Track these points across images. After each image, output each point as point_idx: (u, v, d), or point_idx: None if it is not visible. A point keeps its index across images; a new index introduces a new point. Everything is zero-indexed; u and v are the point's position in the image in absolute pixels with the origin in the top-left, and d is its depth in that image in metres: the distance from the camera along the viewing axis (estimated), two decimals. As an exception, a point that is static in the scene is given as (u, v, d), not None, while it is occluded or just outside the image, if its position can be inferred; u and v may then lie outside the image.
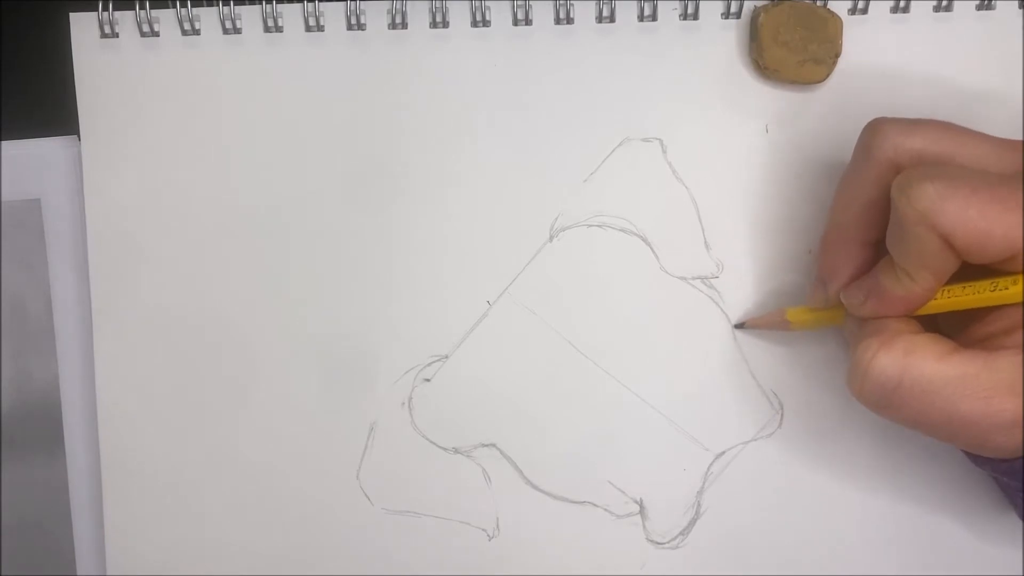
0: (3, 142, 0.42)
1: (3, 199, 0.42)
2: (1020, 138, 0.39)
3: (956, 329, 0.35)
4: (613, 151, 0.41)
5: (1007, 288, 0.33)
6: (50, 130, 0.42)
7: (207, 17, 0.41)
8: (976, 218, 0.31)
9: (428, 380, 0.42)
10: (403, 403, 0.42)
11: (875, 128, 0.35)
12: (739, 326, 0.41)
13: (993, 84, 0.40)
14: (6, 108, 0.43)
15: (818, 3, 0.40)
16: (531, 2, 0.40)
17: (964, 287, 0.34)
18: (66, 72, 0.41)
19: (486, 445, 0.42)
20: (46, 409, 0.43)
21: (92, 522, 0.43)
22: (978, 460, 0.36)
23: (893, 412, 0.34)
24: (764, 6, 0.39)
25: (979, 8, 0.40)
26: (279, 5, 0.40)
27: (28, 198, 0.42)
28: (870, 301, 0.35)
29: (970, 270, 0.33)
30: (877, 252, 0.36)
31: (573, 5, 0.40)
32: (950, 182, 0.31)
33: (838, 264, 0.37)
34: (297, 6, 0.41)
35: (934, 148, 0.34)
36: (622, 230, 0.41)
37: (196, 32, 0.41)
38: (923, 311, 0.35)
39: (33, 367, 0.43)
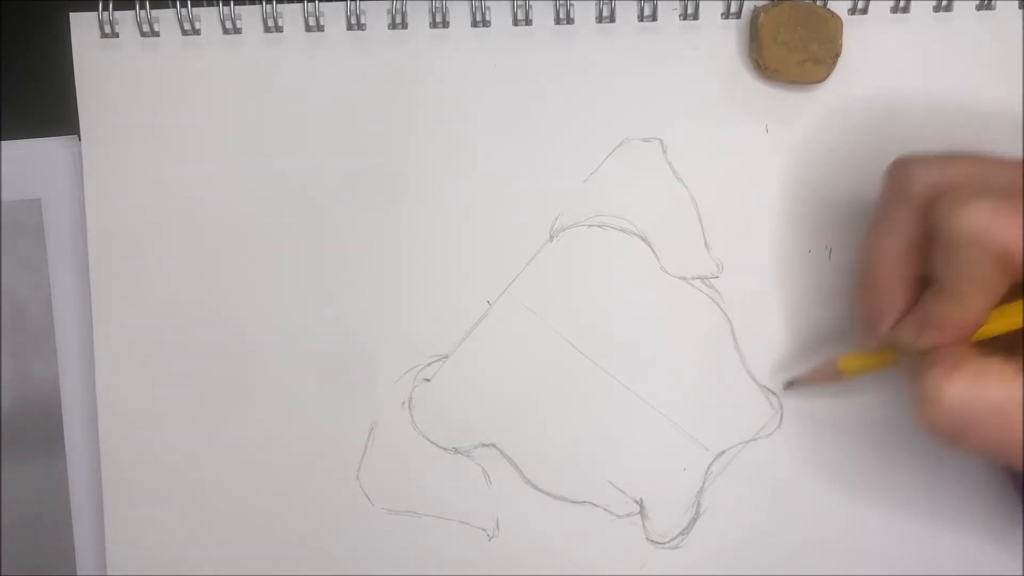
0: (3, 142, 0.42)
1: (3, 199, 0.42)
2: (1020, 137, 0.40)
3: (1013, 350, 0.35)
4: (613, 151, 0.41)
5: None
6: (50, 130, 0.42)
7: (207, 17, 0.41)
8: None
9: (428, 380, 0.42)
10: (403, 403, 0.42)
11: (905, 168, 0.35)
12: (789, 385, 0.41)
13: (993, 84, 0.40)
14: (6, 108, 0.43)
15: (818, 3, 0.40)
16: (531, 2, 0.40)
17: (1015, 305, 0.34)
18: (66, 72, 0.41)
19: (486, 445, 0.42)
20: (46, 409, 0.43)
21: (92, 522, 0.43)
22: None
23: (969, 440, 0.33)
24: (764, 6, 0.39)
25: (979, 8, 0.40)
26: (279, 5, 0.40)
27: (28, 198, 0.42)
28: (926, 333, 0.34)
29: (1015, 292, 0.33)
30: (919, 287, 0.35)
31: (573, 5, 0.40)
32: (999, 199, 0.31)
33: (884, 305, 0.36)
34: (297, 6, 0.41)
35: (967, 180, 0.33)
36: (622, 230, 0.41)
37: (196, 32, 0.41)
38: (980, 335, 0.34)
39: (33, 367, 0.43)
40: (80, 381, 0.43)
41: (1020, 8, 0.40)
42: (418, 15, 0.41)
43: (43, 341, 0.43)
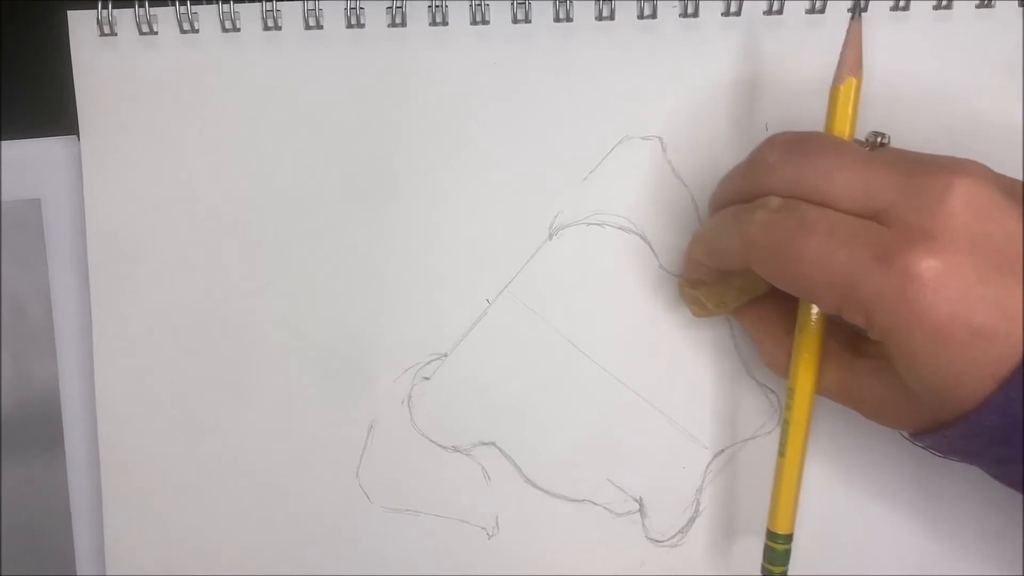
0: (3, 142, 0.42)
1: (3, 199, 0.42)
2: (1020, 136, 0.40)
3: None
4: (612, 149, 0.41)
5: None
6: (50, 130, 0.42)
7: (206, 15, 0.41)
8: None
9: (427, 378, 0.42)
10: (402, 401, 0.42)
11: (772, 155, 0.36)
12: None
13: (992, 83, 0.40)
14: (6, 108, 0.43)
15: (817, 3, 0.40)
16: (531, 0, 0.40)
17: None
18: (66, 71, 0.41)
19: (485, 443, 0.42)
20: (46, 409, 0.43)
21: (92, 523, 0.43)
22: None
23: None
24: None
25: (979, 6, 0.40)
26: (278, 3, 0.40)
27: (28, 198, 0.42)
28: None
29: None
30: None
31: (572, 3, 0.40)
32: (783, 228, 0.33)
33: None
34: (296, 4, 0.40)
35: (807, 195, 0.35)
36: (621, 228, 0.41)
37: (195, 31, 0.41)
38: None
39: (33, 367, 0.43)
40: (80, 381, 0.43)
41: (1020, 7, 0.40)
42: (417, 13, 0.41)
43: (43, 341, 0.43)
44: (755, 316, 0.39)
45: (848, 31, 0.35)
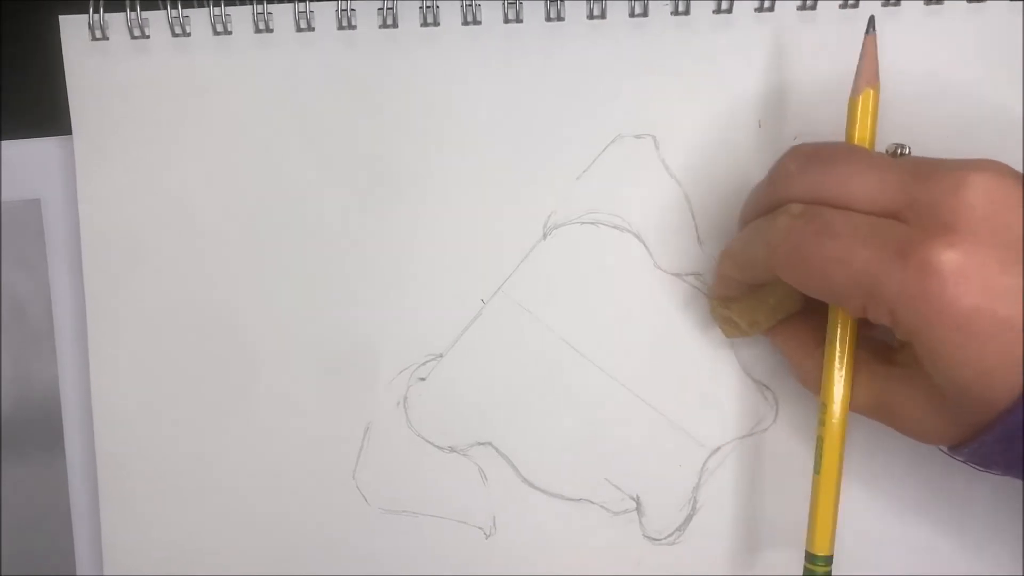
0: (3, 142, 0.42)
1: (3, 199, 0.42)
2: (1019, 134, 0.39)
3: None
4: (606, 148, 0.41)
5: None
6: (50, 130, 0.42)
7: (197, 18, 0.41)
8: None
9: (423, 379, 0.42)
10: (398, 402, 0.42)
11: (794, 166, 0.36)
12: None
13: (986, 78, 0.40)
14: (6, 109, 0.43)
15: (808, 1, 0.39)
16: (522, 0, 0.40)
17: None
18: (64, 73, 0.41)
19: (482, 443, 0.42)
20: (46, 409, 0.43)
21: (92, 522, 0.43)
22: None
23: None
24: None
25: (971, 1, 0.39)
26: (269, 6, 0.40)
27: (28, 198, 0.42)
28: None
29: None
30: None
31: (564, 3, 0.40)
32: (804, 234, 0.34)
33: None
34: (287, 6, 0.40)
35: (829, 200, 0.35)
36: (615, 227, 0.41)
37: (187, 34, 0.41)
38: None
39: (33, 367, 0.43)
40: (80, 381, 0.43)
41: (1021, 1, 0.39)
42: (409, 14, 0.40)
43: (43, 341, 0.43)
44: (786, 334, 0.39)
45: (864, 45, 0.35)
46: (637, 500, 0.42)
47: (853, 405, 0.36)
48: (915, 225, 0.31)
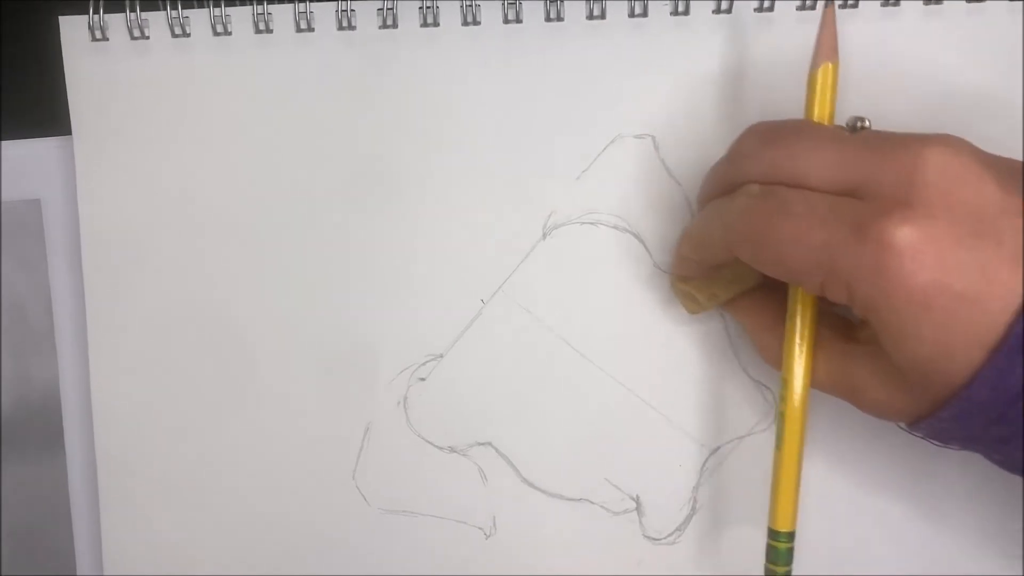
0: (3, 142, 0.42)
1: (3, 199, 0.42)
2: (1019, 134, 0.39)
3: None
4: (605, 148, 0.41)
5: None
6: (50, 130, 0.42)
7: (197, 19, 0.41)
8: None
9: (423, 379, 0.42)
10: (398, 402, 0.42)
11: (751, 145, 0.36)
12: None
13: (985, 78, 0.40)
14: (6, 109, 0.43)
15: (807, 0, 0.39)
16: (521, 0, 0.40)
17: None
18: (64, 73, 0.41)
19: (482, 444, 0.42)
20: (46, 409, 0.43)
21: (92, 522, 0.43)
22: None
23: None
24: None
25: (970, 1, 0.39)
26: (269, 6, 0.40)
27: (28, 198, 0.42)
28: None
29: None
30: None
31: (563, 3, 0.40)
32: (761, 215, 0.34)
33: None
34: (287, 7, 0.40)
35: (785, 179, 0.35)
36: (615, 227, 0.41)
37: (186, 35, 0.41)
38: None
39: (33, 367, 0.43)
40: (80, 381, 0.43)
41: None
42: (408, 15, 0.40)
43: (43, 341, 0.43)
44: (747, 308, 0.39)
45: (823, 16, 0.35)
46: (637, 500, 0.42)
47: (814, 382, 0.36)
48: (871, 202, 0.31)
